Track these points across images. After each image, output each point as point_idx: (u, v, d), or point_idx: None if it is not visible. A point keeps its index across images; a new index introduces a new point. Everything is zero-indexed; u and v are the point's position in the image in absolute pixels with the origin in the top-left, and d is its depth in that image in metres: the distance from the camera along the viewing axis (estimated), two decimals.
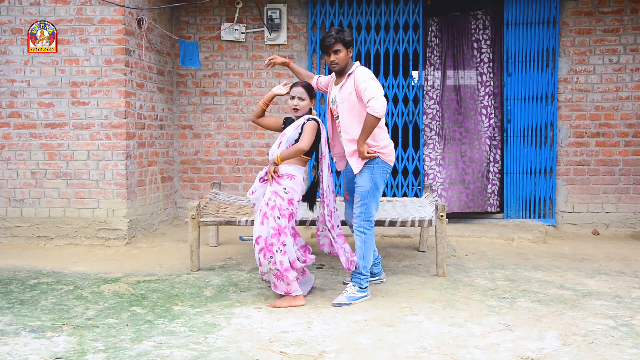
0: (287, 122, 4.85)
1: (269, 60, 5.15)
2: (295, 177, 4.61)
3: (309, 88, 4.69)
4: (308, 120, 4.64)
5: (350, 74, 4.64)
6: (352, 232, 4.80)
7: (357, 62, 4.74)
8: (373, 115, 4.44)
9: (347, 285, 4.67)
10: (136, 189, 6.90)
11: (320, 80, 5.08)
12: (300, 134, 4.63)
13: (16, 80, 6.72)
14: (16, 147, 6.76)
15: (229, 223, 5.58)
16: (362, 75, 4.57)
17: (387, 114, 7.74)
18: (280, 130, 4.87)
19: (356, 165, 4.65)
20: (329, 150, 4.88)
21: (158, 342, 3.78)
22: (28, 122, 6.74)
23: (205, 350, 3.65)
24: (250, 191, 4.77)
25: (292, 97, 4.67)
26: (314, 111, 4.76)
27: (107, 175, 6.65)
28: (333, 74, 4.89)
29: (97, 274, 5.50)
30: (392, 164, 4.79)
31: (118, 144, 6.63)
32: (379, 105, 4.41)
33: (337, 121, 4.78)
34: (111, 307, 4.53)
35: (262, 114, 4.94)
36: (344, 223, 5.34)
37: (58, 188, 6.72)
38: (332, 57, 4.63)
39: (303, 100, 4.65)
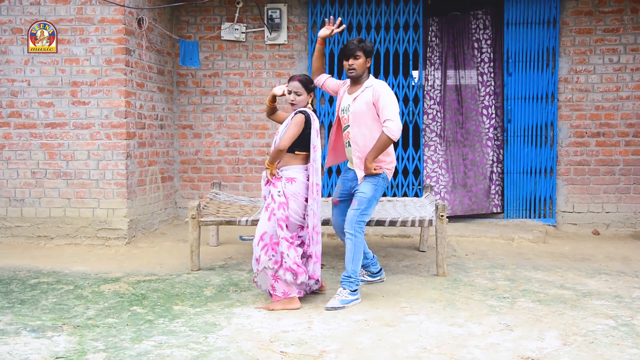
0: None
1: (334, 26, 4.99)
2: (295, 179, 4.55)
3: (305, 82, 4.61)
4: (295, 113, 4.57)
5: (368, 87, 4.67)
6: (340, 236, 4.88)
7: (372, 76, 4.79)
8: (388, 137, 4.52)
9: (338, 290, 4.63)
10: (136, 189, 6.90)
11: (328, 81, 5.06)
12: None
13: (16, 80, 6.72)
14: (16, 147, 6.76)
15: (229, 223, 5.58)
16: (384, 92, 4.61)
17: None
18: None
19: (361, 177, 4.68)
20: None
21: (158, 342, 3.78)
22: (28, 121, 6.74)
23: (206, 350, 3.65)
24: (263, 196, 4.75)
25: (289, 92, 4.62)
26: (310, 106, 4.68)
27: (107, 175, 6.66)
28: (347, 80, 4.91)
29: (98, 273, 5.50)
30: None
31: (118, 144, 6.63)
32: (396, 129, 4.52)
33: (345, 131, 4.80)
34: (111, 306, 4.53)
35: (271, 111, 4.90)
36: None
37: (58, 188, 6.73)
38: (351, 62, 4.68)
39: (299, 95, 4.59)
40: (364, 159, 4.62)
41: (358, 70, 4.70)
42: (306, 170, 4.61)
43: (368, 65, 4.75)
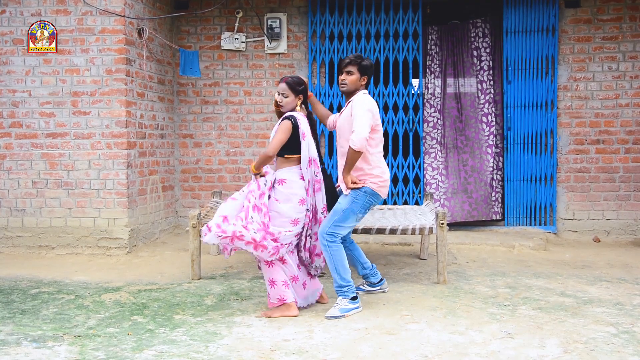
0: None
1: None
2: (285, 181, 4.52)
3: (292, 84, 4.57)
4: (283, 119, 4.56)
5: (351, 101, 4.67)
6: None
7: (364, 91, 4.73)
8: (352, 148, 4.47)
9: (338, 299, 4.61)
10: (137, 198, 6.91)
11: (332, 118, 5.05)
12: None
13: (17, 91, 6.74)
14: (17, 157, 6.78)
15: None
16: (359, 104, 4.57)
17: (388, 122, 7.76)
18: None
19: (344, 188, 4.66)
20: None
21: (159, 351, 3.79)
22: (29, 132, 6.76)
23: (207, 359, 3.65)
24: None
25: (278, 93, 4.60)
26: (299, 108, 4.63)
27: (108, 185, 6.67)
28: None
29: (99, 283, 5.50)
30: (383, 197, 4.74)
31: (119, 154, 6.65)
32: (357, 140, 4.44)
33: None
34: (112, 316, 4.53)
35: (280, 114, 4.82)
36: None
37: (59, 197, 6.74)
38: (343, 76, 4.68)
39: (286, 96, 4.56)
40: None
41: (349, 86, 4.68)
42: (300, 170, 4.57)
43: (363, 83, 4.71)
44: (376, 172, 4.66)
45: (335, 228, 4.57)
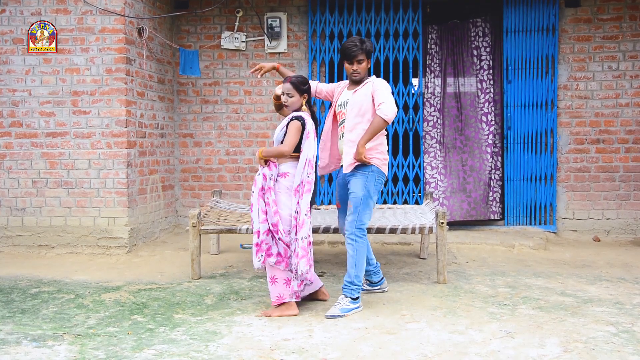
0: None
1: (255, 68, 5.07)
2: (288, 174, 4.56)
3: (297, 84, 4.60)
4: (291, 119, 4.58)
5: (368, 82, 4.70)
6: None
7: (373, 75, 4.82)
8: (382, 118, 4.51)
9: (339, 297, 4.61)
10: (137, 198, 6.91)
11: (320, 87, 5.05)
12: (285, 134, 4.60)
13: (17, 90, 6.74)
14: (17, 157, 6.78)
15: (229, 231, 5.58)
16: (381, 84, 4.65)
17: None
18: None
19: (349, 163, 4.61)
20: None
21: (159, 351, 3.79)
22: (29, 131, 6.76)
23: (207, 359, 3.65)
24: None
25: (282, 94, 4.64)
26: (304, 107, 4.65)
27: (108, 184, 6.67)
28: (341, 82, 4.96)
29: (98, 282, 5.50)
30: (386, 176, 4.77)
31: (119, 153, 6.65)
32: (389, 110, 4.50)
33: (341, 125, 4.79)
34: (112, 315, 4.53)
35: (279, 107, 4.88)
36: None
37: (59, 197, 6.74)
38: (355, 67, 4.70)
39: (291, 96, 4.59)
40: (356, 144, 4.56)
41: (362, 74, 4.72)
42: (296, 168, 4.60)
43: (369, 66, 4.79)
44: (381, 149, 4.70)
45: (363, 220, 4.60)
